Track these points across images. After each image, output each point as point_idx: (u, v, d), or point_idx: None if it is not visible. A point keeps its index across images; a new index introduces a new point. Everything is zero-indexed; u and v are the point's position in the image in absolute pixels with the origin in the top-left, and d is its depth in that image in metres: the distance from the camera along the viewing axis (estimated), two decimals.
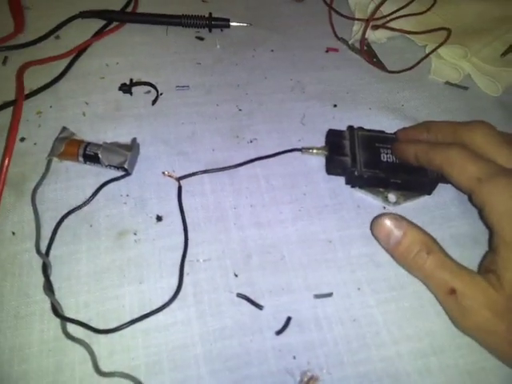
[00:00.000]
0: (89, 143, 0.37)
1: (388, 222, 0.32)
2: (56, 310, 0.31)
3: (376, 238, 0.34)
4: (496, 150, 0.32)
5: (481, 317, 0.28)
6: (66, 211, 0.35)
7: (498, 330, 0.28)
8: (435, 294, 0.32)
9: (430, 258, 0.30)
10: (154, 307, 0.31)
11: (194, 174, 0.38)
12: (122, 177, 0.37)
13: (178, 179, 0.37)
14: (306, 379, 0.29)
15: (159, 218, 0.36)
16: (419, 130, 0.37)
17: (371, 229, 0.35)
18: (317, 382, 0.29)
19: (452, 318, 0.31)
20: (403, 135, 0.38)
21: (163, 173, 0.38)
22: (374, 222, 0.34)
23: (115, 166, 0.36)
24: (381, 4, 0.49)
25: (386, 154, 0.38)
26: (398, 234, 0.32)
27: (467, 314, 0.29)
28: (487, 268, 0.30)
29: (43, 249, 0.34)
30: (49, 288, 0.32)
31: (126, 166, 0.36)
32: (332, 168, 0.38)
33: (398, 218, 0.32)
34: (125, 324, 0.30)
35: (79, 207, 0.36)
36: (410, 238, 0.32)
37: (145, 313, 0.31)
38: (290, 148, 0.40)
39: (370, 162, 0.37)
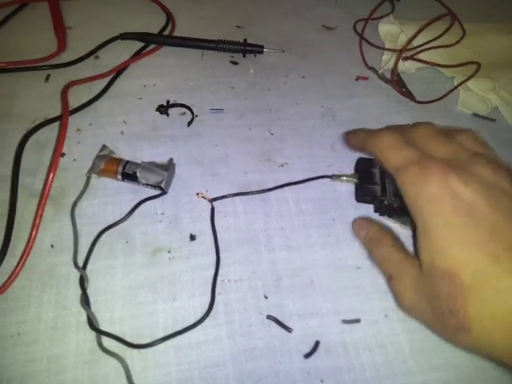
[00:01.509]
0: (127, 162, 0.38)
1: (361, 221, 0.38)
2: (92, 323, 0.32)
3: (356, 236, 0.38)
4: (429, 140, 0.33)
5: (408, 296, 0.30)
6: (103, 227, 0.37)
7: (422, 306, 0.29)
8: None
9: (381, 251, 0.34)
10: (187, 324, 0.32)
11: (225, 196, 0.39)
12: (158, 195, 0.39)
13: (211, 201, 0.39)
14: None
15: (193, 237, 0.37)
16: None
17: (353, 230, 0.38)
18: None
19: (397, 304, 0.33)
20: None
21: (197, 194, 0.39)
22: (353, 224, 0.38)
23: (152, 185, 0.38)
24: (414, 37, 0.51)
25: None
26: (367, 228, 0.36)
27: (400, 295, 0.31)
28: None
29: (80, 262, 0.35)
30: (85, 301, 0.33)
31: (162, 186, 0.37)
32: (361, 196, 0.39)
33: (366, 218, 0.38)
34: (158, 340, 0.31)
35: (116, 223, 0.37)
36: (370, 234, 0.36)
37: (178, 330, 0.32)
38: (320, 174, 0.41)
39: None
